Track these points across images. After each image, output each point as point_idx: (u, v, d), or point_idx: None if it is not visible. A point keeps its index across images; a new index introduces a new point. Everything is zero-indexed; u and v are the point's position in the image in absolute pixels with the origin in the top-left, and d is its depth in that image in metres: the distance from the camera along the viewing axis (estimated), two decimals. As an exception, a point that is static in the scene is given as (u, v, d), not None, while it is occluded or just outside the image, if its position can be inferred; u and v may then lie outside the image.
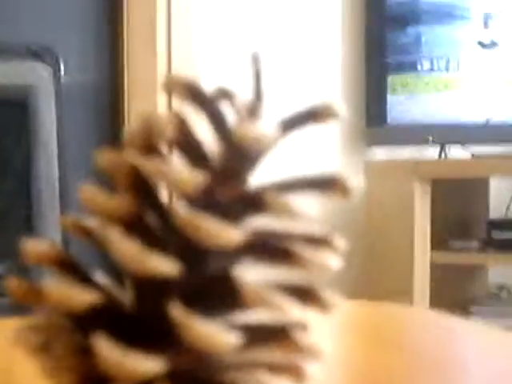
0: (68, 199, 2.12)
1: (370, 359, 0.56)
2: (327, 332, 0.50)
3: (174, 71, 2.16)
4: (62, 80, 2.14)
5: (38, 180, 2.11)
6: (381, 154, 2.47)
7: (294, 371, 0.35)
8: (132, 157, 0.33)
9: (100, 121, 2.24)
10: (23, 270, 2.09)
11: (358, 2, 2.45)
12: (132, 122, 2.17)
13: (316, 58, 2.44)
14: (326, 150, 2.43)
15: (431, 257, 2.20)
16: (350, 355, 0.57)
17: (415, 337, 0.67)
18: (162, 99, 2.15)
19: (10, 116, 2.14)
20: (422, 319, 0.77)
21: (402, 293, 2.21)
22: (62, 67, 2.14)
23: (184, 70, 2.10)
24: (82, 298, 0.31)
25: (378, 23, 2.39)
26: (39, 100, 2.10)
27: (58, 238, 2.07)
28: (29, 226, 2.13)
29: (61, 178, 2.11)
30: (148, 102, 2.17)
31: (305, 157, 2.34)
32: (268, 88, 0.35)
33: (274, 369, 0.34)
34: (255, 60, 0.34)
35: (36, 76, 2.11)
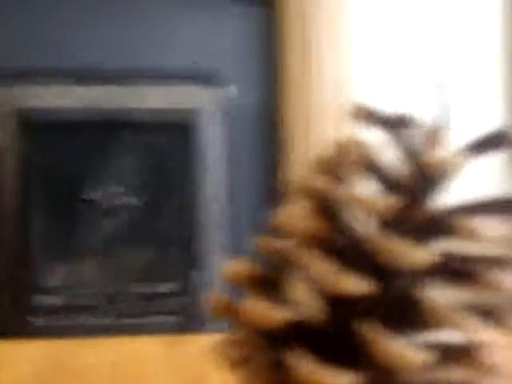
0: (235, 220, 2.16)
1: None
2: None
3: (329, 95, 2.17)
4: (229, 103, 2.19)
5: (204, 201, 2.17)
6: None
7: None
8: (324, 182, 0.34)
9: (266, 142, 2.28)
10: (189, 289, 2.15)
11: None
12: (297, 145, 2.20)
13: (483, 79, 2.40)
14: (497, 170, 2.39)
15: None
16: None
17: None
18: (316, 122, 2.17)
19: (177, 139, 2.21)
20: None
21: None
22: (229, 91, 2.19)
23: (342, 94, 2.12)
24: (276, 315, 0.33)
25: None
26: (205, 123, 2.16)
27: (220, 258, 2.12)
28: (191, 248, 2.19)
29: (228, 199, 2.16)
30: (305, 124, 2.19)
31: (477, 177, 2.31)
32: (452, 114, 0.36)
33: (461, 388, 0.35)
34: (442, 89, 0.35)
35: (203, 100, 2.17)
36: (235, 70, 2.26)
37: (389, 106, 0.37)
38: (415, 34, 2.35)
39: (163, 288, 2.19)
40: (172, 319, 2.15)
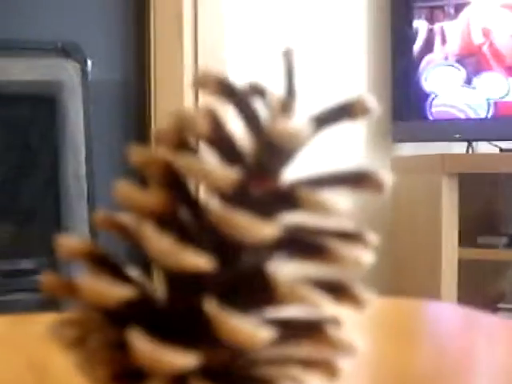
0: (95, 195, 2.13)
1: (397, 355, 0.56)
2: (356, 328, 0.50)
3: (200, 67, 2.16)
4: (90, 77, 2.15)
5: (65, 176, 2.13)
6: (407, 149, 2.46)
7: (326, 367, 0.35)
8: (165, 153, 0.33)
9: (126, 117, 2.25)
10: (53, 265, 2.10)
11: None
12: (160, 119, 2.18)
13: (342, 51, 2.44)
14: (351, 145, 2.43)
15: (459, 253, 2.19)
16: (378, 351, 0.57)
17: (442, 333, 0.67)
18: (188, 96, 2.16)
19: (39, 112, 2.15)
20: (449, 315, 0.77)
21: (430, 289, 2.20)
22: (90, 64, 2.15)
23: (211, 65, 2.11)
24: (116, 292, 0.31)
25: (405, 13, 2.38)
26: (67, 96, 2.11)
27: (85, 233, 2.09)
28: (57, 222, 2.14)
29: (88, 174, 2.12)
30: (174, 98, 2.17)
31: (331, 152, 2.34)
32: (299, 83, 0.35)
33: (307, 364, 0.34)
34: (288, 55, 0.34)
35: (64, 73, 2.12)
36: (100, 44, 2.22)
37: (250, 77, 0.36)
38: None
39: (26, 264, 2.13)
40: (35, 297, 2.10)
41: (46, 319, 0.63)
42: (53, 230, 2.14)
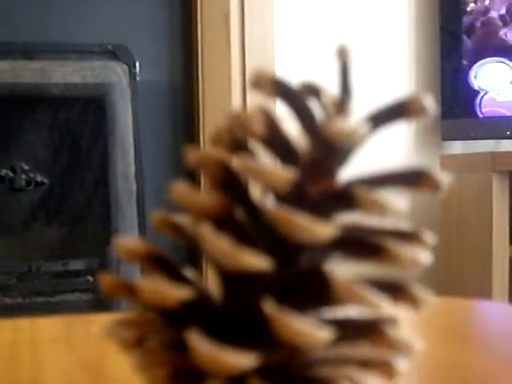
0: (144, 197, 2.14)
1: (451, 356, 0.55)
2: (409, 328, 0.49)
3: (250, 68, 2.17)
4: (137, 78, 2.16)
5: (115, 177, 2.14)
6: (457, 147, 2.44)
7: (384, 367, 0.34)
8: (221, 154, 0.33)
9: (174, 118, 2.26)
10: (103, 266, 2.12)
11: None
12: (207, 119, 2.19)
13: (390, 49, 2.42)
14: (400, 143, 2.42)
15: (510, 251, 2.16)
16: (432, 352, 0.57)
17: (494, 333, 0.66)
18: (235, 96, 2.16)
19: (88, 113, 2.17)
20: (501, 315, 0.76)
21: (481, 288, 2.18)
22: (138, 66, 2.17)
23: (259, 65, 2.11)
24: (175, 293, 0.31)
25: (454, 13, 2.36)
26: (116, 98, 2.13)
27: (134, 233, 2.10)
28: (106, 223, 2.16)
29: (137, 175, 2.14)
30: (221, 98, 2.18)
31: (379, 150, 2.33)
32: (355, 82, 0.35)
33: (365, 364, 0.34)
34: (343, 53, 0.34)
35: (112, 74, 2.14)
36: (147, 46, 2.24)
37: (304, 76, 0.36)
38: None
39: (77, 265, 2.16)
40: (85, 297, 2.12)
41: (100, 320, 0.64)
42: (102, 231, 2.16)
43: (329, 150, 0.33)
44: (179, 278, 0.34)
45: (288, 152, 0.33)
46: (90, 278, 2.13)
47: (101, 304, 2.06)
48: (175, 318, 0.33)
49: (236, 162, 0.32)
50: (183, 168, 2.05)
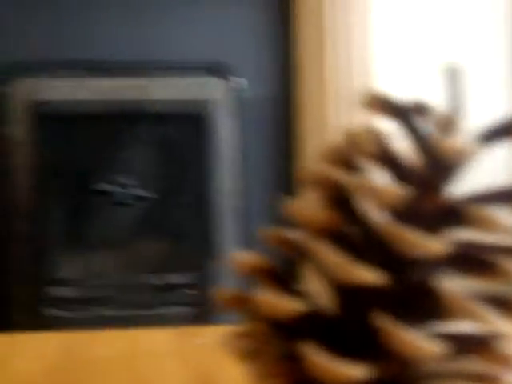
0: (247, 212, 2.16)
1: None
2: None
3: (355, 85, 2.17)
4: (241, 94, 2.19)
5: (215, 193, 2.17)
6: None
7: (495, 382, 0.35)
8: (334, 171, 0.34)
9: (275, 133, 2.28)
10: (202, 281, 2.15)
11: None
12: (308, 134, 2.19)
13: (492, 68, 2.39)
14: (503, 158, 2.38)
15: None
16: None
17: None
18: (331, 112, 2.17)
19: (189, 130, 2.21)
20: None
21: None
22: (242, 82, 2.19)
23: (359, 81, 2.11)
24: (289, 306, 0.32)
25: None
26: (216, 114, 2.16)
27: (233, 248, 2.12)
28: (206, 238, 2.19)
29: (239, 191, 2.16)
30: (321, 114, 2.18)
31: (483, 165, 2.30)
32: (466, 101, 0.35)
33: (476, 379, 0.34)
34: (453, 72, 0.34)
35: (214, 91, 2.17)
36: (247, 62, 2.26)
37: (404, 94, 0.37)
38: (428, 18, 2.34)
39: (178, 279, 2.19)
40: (186, 310, 2.15)
41: (206, 332, 0.65)
42: (202, 246, 2.19)
43: (440, 167, 0.33)
44: (292, 291, 0.35)
45: (399, 169, 0.34)
46: (189, 292, 2.16)
47: (198, 317, 2.09)
48: (288, 330, 0.34)
49: (349, 179, 0.33)
50: (283, 184, 2.07)
